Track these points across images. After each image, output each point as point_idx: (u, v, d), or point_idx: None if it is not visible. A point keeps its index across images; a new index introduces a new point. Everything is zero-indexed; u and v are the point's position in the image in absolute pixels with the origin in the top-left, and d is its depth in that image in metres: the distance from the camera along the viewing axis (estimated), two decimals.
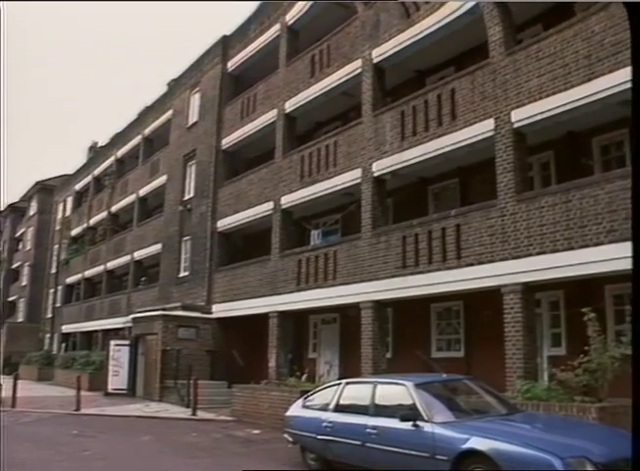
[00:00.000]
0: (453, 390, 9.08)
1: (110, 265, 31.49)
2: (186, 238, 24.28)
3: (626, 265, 10.24)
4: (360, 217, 16.08)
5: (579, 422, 8.73)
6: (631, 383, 3.87)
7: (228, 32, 23.81)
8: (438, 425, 7.39)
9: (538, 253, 11.71)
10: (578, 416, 9.14)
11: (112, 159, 34.17)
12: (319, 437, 9.07)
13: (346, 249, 16.36)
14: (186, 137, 25.53)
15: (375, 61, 16.36)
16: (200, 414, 16.41)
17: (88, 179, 37.53)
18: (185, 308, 21.50)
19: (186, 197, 24.77)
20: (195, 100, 25.38)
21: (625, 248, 10.22)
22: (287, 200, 18.91)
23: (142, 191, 29.29)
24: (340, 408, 9.07)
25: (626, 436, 7.29)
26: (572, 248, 11.17)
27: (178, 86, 27.28)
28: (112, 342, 22.81)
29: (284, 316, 18.39)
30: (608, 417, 9.00)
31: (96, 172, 36.49)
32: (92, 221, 35.37)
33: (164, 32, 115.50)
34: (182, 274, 24.13)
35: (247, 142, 22.00)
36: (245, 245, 22.51)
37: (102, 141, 38.68)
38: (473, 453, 6.77)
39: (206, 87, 24.62)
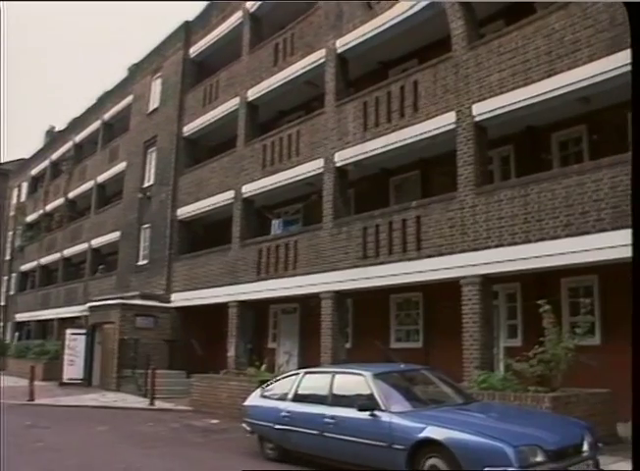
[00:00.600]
0: (410, 380, 9.19)
1: (67, 252, 30.97)
2: (145, 226, 24.00)
3: (581, 258, 10.57)
4: (322, 207, 16.12)
5: (533, 411, 8.93)
6: (631, 383, 3.90)
7: (190, 18, 23.58)
8: (395, 415, 7.48)
9: (496, 246, 11.92)
10: (532, 405, 9.35)
11: (70, 144, 33.50)
12: (277, 426, 9.11)
13: (307, 239, 16.39)
14: (146, 124, 25.18)
15: (339, 51, 16.36)
16: (158, 404, 16.30)
17: (45, 163, 36.76)
18: (143, 297, 21.31)
19: (146, 184, 24.46)
20: (157, 86, 25.03)
21: (580, 242, 10.53)
22: (248, 189, 18.84)
23: (101, 178, 28.83)
24: (298, 398, 9.12)
25: (577, 424, 7.55)
26: (530, 241, 11.39)
27: (138, 71, 26.86)
28: (68, 331, 22.48)
29: (244, 306, 18.36)
30: (561, 406, 9.23)
31: (53, 157, 35.75)
32: (49, 207, 34.68)
33: (123, 16, 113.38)
34: (140, 262, 23.87)
35: (209, 130, 21.83)
36: (206, 234, 22.36)
37: (60, 126, 37.96)
38: (429, 442, 6.88)
39: (168, 73, 24.29)
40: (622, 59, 10.27)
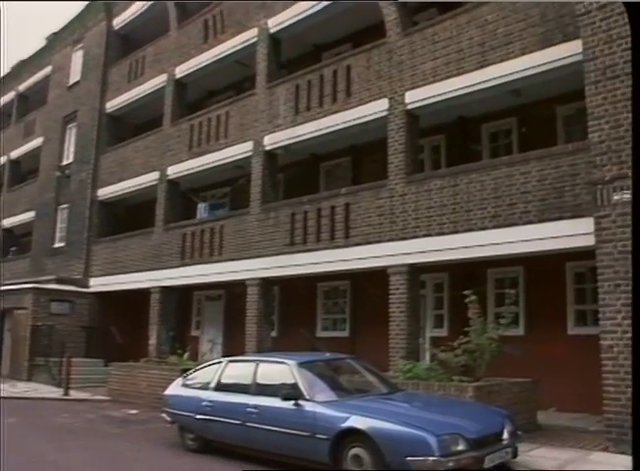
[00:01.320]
0: (335, 369, 9.31)
1: None
2: (62, 207, 23.27)
3: (508, 250, 10.93)
4: (250, 191, 16.06)
5: (456, 401, 9.17)
6: (632, 381, 4.04)
7: None
8: (319, 404, 7.57)
9: (424, 235, 12.17)
10: (456, 395, 9.62)
11: None
12: (198, 416, 9.06)
13: (234, 224, 16.31)
14: (66, 97, 24.35)
15: (271, 31, 16.24)
16: (73, 394, 15.92)
17: None
18: (59, 281, 20.73)
19: (65, 162, 23.70)
20: (78, 58, 24.21)
21: (507, 234, 10.88)
22: (174, 171, 18.55)
23: (15, 153, 27.73)
24: (221, 387, 9.09)
25: (498, 413, 7.83)
26: (458, 232, 11.69)
27: (58, 41, 25.84)
28: None
29: (166, 291, 18.13)
30: (483, 395, 9.53)
31: None
32: None
33: None
34: (57, 244, 23.14)
35: (134, 107, 21.30)
36: (128, 216, 21.90)
37: None
38: (352, 432, 7.00)
39: (90, 44, 23.54)
40: (553, 54, 10.67)
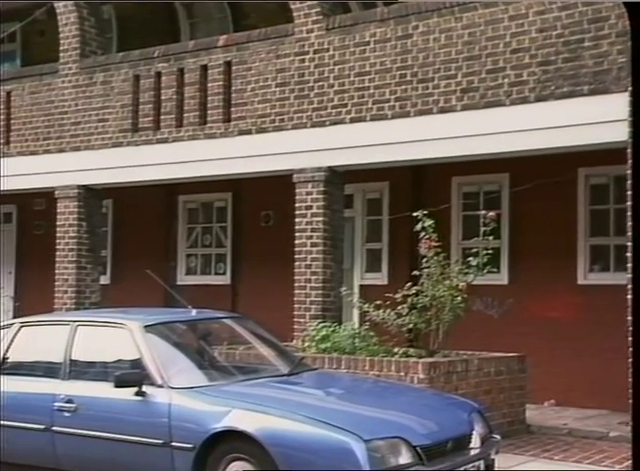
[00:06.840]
0: (205, 335, 9.38)
1: None
2: None
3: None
4: (58, 34, 15.63)
5: (398, 386, 9.37)
6: (631, 380, 4.31)
7: None
8: (178, 392, 7.58)
9: (353, 120, 12.26)
10: (398, 377, 9.90)
11: None
12: None
13: (31, 92, 15.99)
14: None
15: None
16: None
17: None
18: None
19: None
20: None
21: (486, 119, 11.01)
22: None
23: None
24: (8, 369, 8.99)
25: (464, 405, 8.10)
26: (407, 115, 11.79)
27: None
28: None
29: None
30: (440, 378, 9.86)
31: None
32: None
33: None
34: None
35: None
36: None
37: None
38: (232, 436, 7.05)
39: None
40: None
